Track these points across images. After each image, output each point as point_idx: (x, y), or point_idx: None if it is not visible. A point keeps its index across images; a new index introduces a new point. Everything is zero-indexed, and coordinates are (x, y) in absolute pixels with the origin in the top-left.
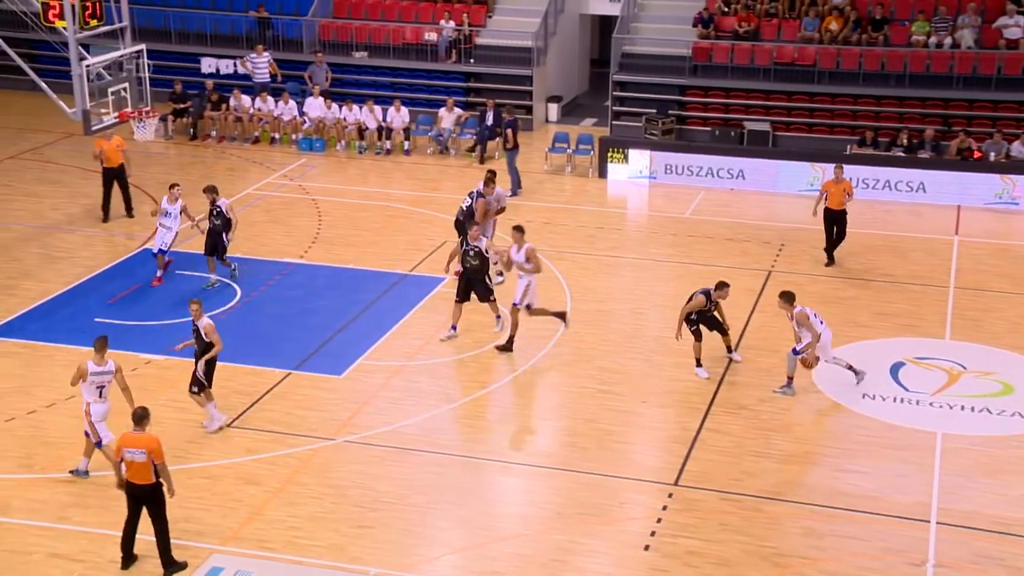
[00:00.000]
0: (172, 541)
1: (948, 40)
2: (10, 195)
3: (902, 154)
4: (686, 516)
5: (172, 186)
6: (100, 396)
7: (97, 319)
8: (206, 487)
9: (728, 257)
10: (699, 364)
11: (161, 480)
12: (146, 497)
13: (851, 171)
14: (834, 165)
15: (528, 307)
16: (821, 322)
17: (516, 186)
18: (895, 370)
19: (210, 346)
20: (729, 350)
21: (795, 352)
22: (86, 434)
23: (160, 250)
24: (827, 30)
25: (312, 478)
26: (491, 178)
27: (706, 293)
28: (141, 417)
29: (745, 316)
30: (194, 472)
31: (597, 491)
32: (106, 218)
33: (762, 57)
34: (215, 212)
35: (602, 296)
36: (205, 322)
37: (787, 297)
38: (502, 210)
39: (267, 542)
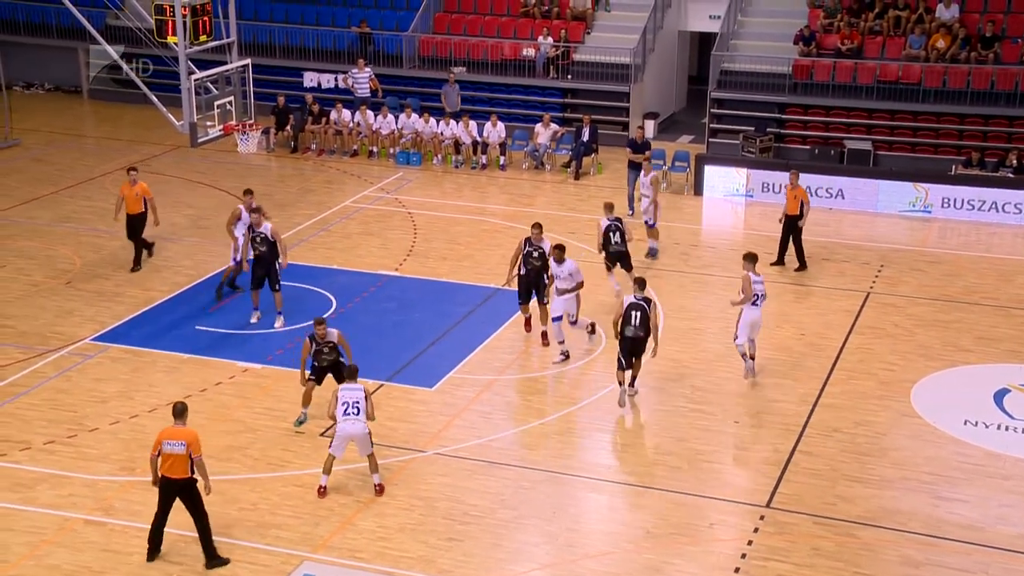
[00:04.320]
0: (266, 547)
1: None
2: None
3: (1011, 175)
4: (778, 539)
5: (246, 192)
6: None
7: (197, 327)
8: (299, 495)
9: (825, 277)
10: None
11: (196, 476)
12: (182, 492)
13: (956, 192)
14: (790, 172)
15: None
16: (756, 304)
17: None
18: (999, 397)
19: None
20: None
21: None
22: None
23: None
24: (934, 48)
25: (402, 489)
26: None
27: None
28: (181, 411)
29: (841, 338)
30: (287, 480)
31: (687, 511)
32: (136, 266)
33: (865, 75)
34: (259, 238)
35: (695, 314)
36: (336, 333)
37: (750, 258)
38: (580, 285)
39: (357, 552)
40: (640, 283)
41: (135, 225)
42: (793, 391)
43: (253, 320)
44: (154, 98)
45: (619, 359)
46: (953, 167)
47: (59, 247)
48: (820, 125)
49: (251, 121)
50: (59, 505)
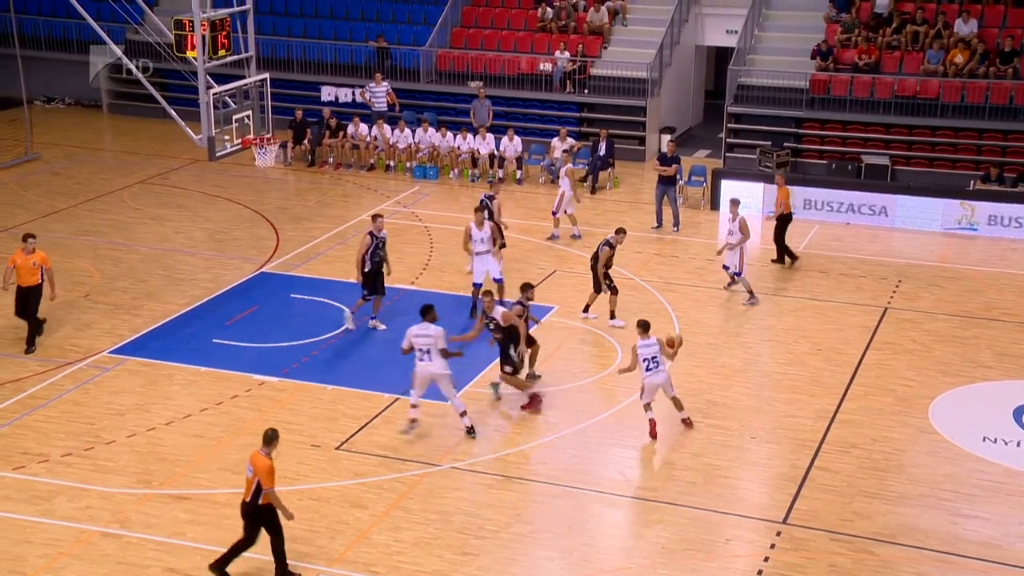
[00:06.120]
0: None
1: None
2: (138, 218)
3: None
4: (794, 556)
5: (477, 208)
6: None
7: (214, 340)
8: (314, 509)
9: (842, 292)
10: (614, 315)
11: (260, 502)
12: (244, 513)
13: (974, 207)
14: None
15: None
16: (648, 369)
17: (676, 222)
18: (1019, 413)
19: (511, 331)
20: (587, 309)
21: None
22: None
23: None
24: (952, 63)
25: (417, 503)
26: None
27: (608, 243)
28: (270, 439)
29: (859, 353)
30: (303, 494)
31: (703, 526)
32: (31, 346)
33: (882, 90)
34: (380, 244)
35: (711, 329)
36: (500, 311)
37: (736, 203)
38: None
39: (372, 565)
40: (526, 287)
41: (28, 299)
42: (810, 406)
43: (382, 327)
44: (172, 112)
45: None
46: (971, 182)
47: (77, 260)
48: (837, 140)
49: (269, 135)
50: (76, 517)
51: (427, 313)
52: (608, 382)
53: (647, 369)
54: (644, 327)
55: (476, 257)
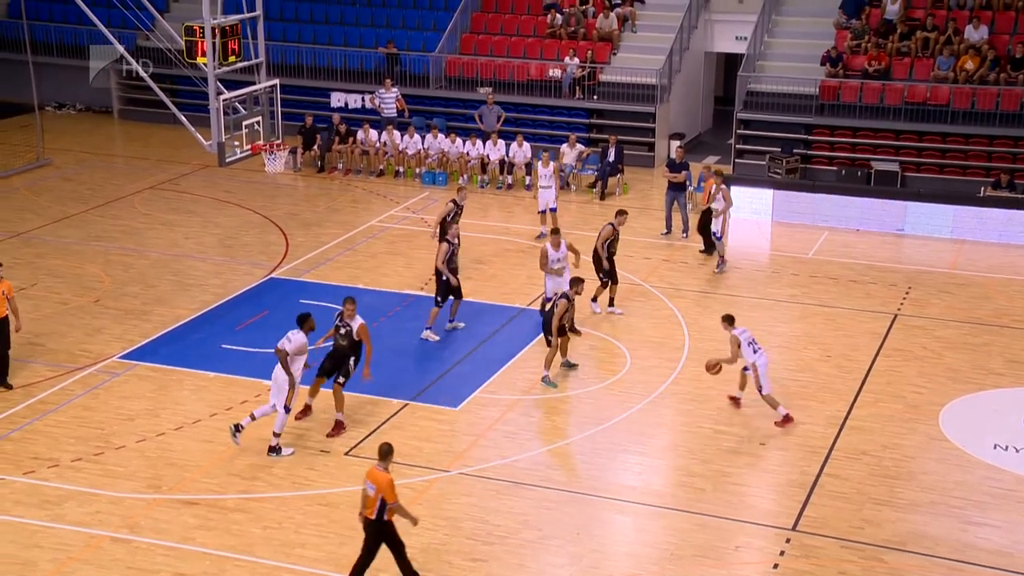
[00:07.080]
0: (290, 566)
1: None
2: (148, 224)
3: None
4: (804, 563)
5: (553, 230)
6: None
7: (224, 345)
8: (323, 514)
9: (852, 299)
10: (612, 303)
11: (385, 518)
12: (369, 530)
13: (985, 214)
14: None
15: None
16: (755, 351)
17: (685, 228)
18: None
19: (358, 345)
20: (611, 303)
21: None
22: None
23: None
24: (962, 69)
25: (427, 509)
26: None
27: (610, 224)
28: (385, 453)
29: (869, 360)
30: (312, 499)
31: (712, 533)
32: (4, 383)
33: (892, 96)
34: (456, 250)
35: (720, 335)
36: (359, 323)
37: (729, 319)
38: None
39: (381, 571)
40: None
41: None
42: (820, 413)
43: (461, 325)
44: (182, 117)
45: None
46: (982, 189)
47: (88, 266)
48: (847, 146)
49: (278, 141)
50: (85, 522)
51: (303, 322)
52: (617, 388)
53: (754, 352)
54: (731, 320)
55: (549, 276)
